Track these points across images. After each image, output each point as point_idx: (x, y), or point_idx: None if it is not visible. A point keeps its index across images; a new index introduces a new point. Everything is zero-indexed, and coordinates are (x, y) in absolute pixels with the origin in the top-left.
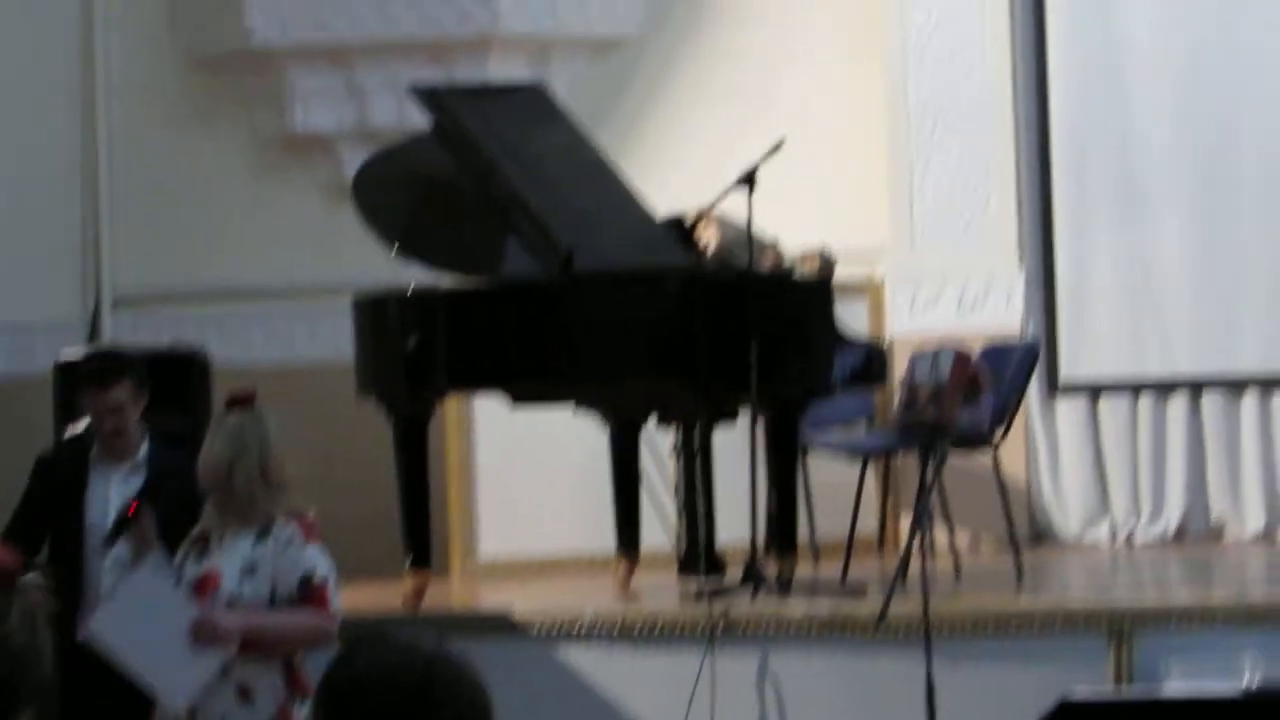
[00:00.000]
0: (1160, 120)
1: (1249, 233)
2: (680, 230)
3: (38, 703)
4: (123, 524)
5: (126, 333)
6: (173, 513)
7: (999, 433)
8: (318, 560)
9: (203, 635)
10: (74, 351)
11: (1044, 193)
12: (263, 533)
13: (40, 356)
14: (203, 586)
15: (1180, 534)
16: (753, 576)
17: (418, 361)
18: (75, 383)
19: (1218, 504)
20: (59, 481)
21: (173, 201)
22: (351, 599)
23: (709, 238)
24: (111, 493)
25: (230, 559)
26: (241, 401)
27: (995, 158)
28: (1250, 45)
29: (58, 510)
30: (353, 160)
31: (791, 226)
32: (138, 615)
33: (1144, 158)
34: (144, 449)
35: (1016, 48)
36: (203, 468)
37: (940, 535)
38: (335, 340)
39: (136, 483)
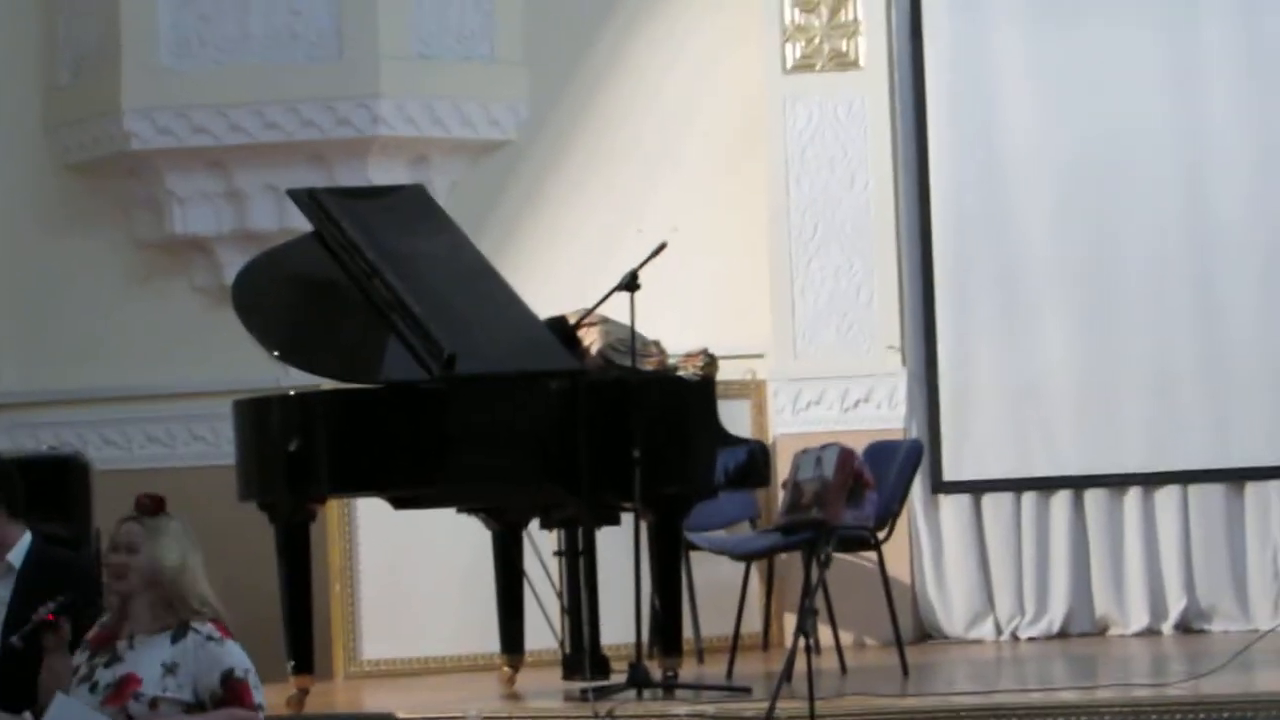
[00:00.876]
0: (1043, 223)
1: (1131, 333)
2: (562, 332)
3: None
4: (38, 629)
5: (3, 437)
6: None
7: (883, 532)
8: (237, 656)
9: None
10: None
11: (926, 294)
12: (180, 632)
13: None
14: (122, 690)
15: (1064, 631)
16: (637, 677)
17: (299, 464)
18: None
19: (1101, 601)
20: None
21: (50, 304)
22: None
23: (591, 339)
24: None
25: (147, 660)
26: (157, 504)
27: (878, 259)
28: (1130, 153)
29: None
30: (232, 263)
31: (674, 328)
32: None
33: (1027, 260)
34: (20, 550)
35: (899, 152)
36: (150, 569)
37: (825, 634)
38: (215, 442)
39: (7, 586)
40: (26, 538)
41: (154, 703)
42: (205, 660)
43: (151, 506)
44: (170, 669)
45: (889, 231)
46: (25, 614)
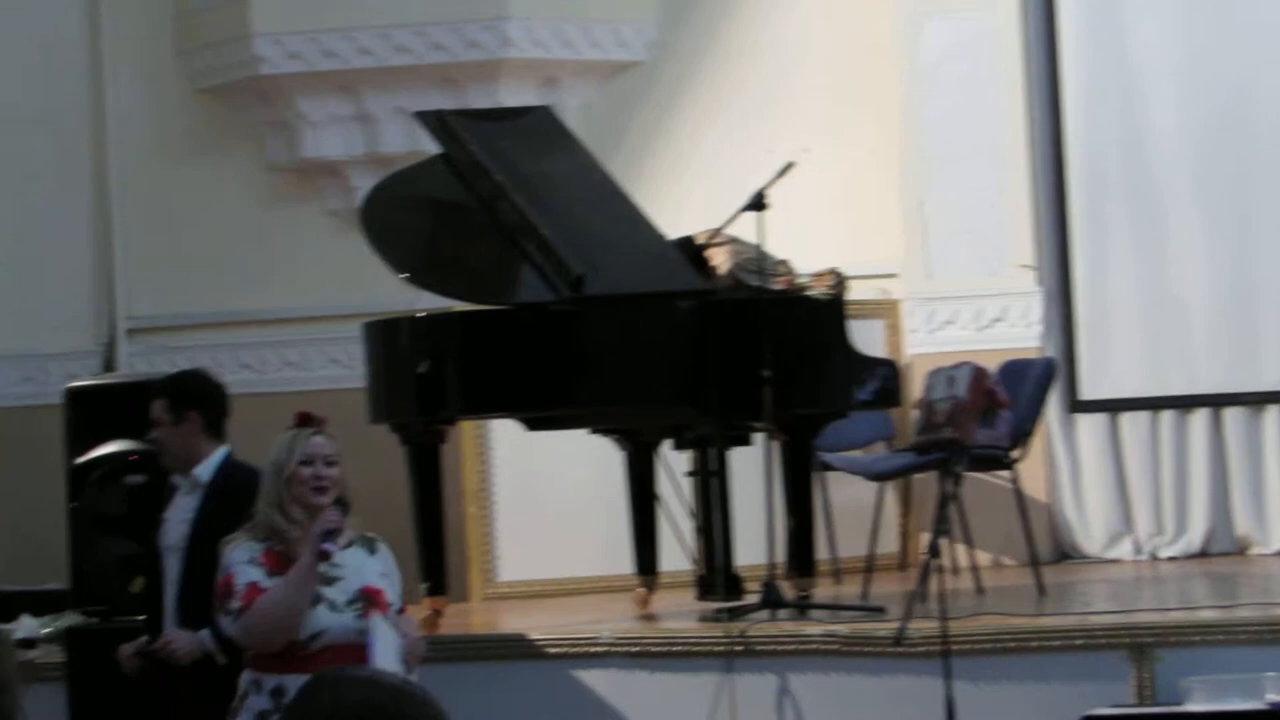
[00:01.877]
0: (1180, 137)
1: (1270, 249)
2: (691, 252)
3: None
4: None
5: (141, 361)
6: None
7: (1018, 451)
8: None
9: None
10: (85, 379)
11: (1060, 211)
12: (365, 543)
13: (55, 385)
14: (375, 602)
15: (1204, 550)
16: (771, 597)
17: (429, 386)
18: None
19: (1241, 519)
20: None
21: (185, 230)
22: None
23: (720, 259)
24: (172, 511)
25: (365, 572)
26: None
27: (1010, 176)
28: (1275, 64)
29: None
30: (363, 186)
31: (805, 248)
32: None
33: (1163, 175)
34: (210, 465)
35: (1030, 65)
36: (342, 481)
37: (962, 554)
38: (349, 365)
39: (195, 499)
40: (218, 454)
41: (399, 610)
42: (395, 567)
43: (319, 421)
44: (388, 577)
45: (1021, 148)
46: (210, 527)
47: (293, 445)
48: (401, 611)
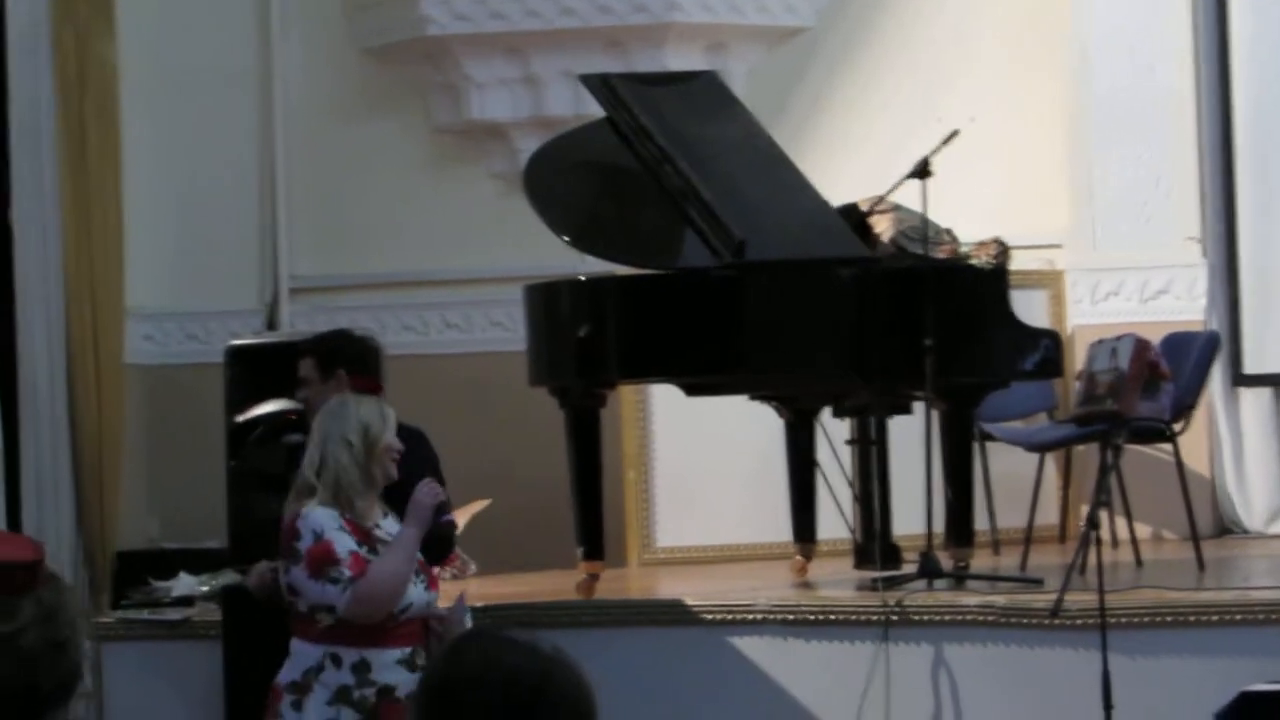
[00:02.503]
0: None
1: None
2: (854, 219)
3: (67, 699)
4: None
5: (304, 321)
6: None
7: (1180, 424)
8: None
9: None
10: (247, 338)
11: (1227, 183)
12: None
13: (217, 343)
14: (429, 575)
15: None
16: (928, 567)
17: (590, 349)
18: None
19: None
20: None
21: (349, 190)
22: (525, 589)
23: (883, 227)
24: None
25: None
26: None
27: (1177, 148)
28: None
29: None
30: (528, 149)
31: (969, 218)
32: None
33: None
34: None
35: (1200, 39)
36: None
37: (1121, 527)
38: (512, 328)
39: None
40: None
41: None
42: None
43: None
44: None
45: (1189, 120)
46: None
47: (385, 415)
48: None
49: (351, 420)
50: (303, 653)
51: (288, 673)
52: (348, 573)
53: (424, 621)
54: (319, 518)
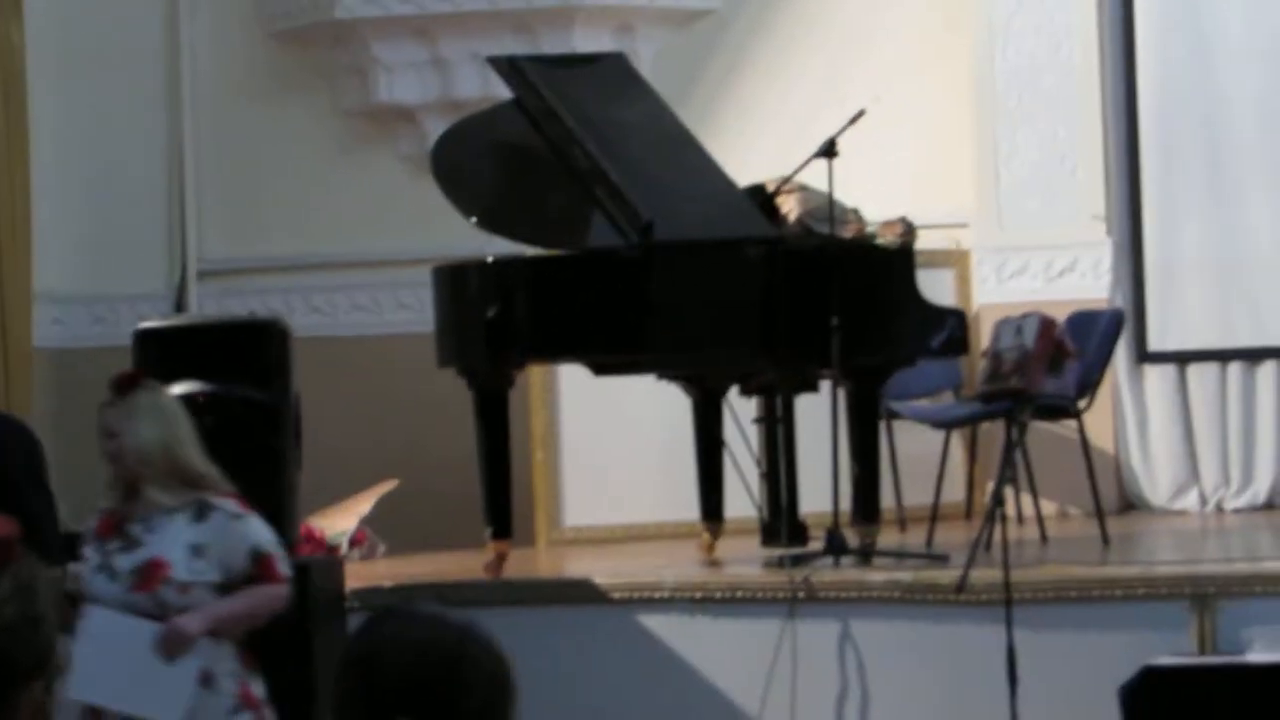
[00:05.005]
0: (1249, 96)
1: None
2: (761, 199)
3: (43, 674)
4: None
5: (212, 304)
6: None
7: (1084, 401)
8: (262, 531)
9: (173, 647)
10: (155, 321)
11: (1131, 163)
12: (201, 511)
13: (125, 327)
14: (151, 576)
15: (1270, 502)
16: (835, 544)
17: (498, 330)
18: None
19: None
20: None
21: (257, 173)
22: (434, 568)
23: (790, 207)
24: None
25: (170, 542)
26: (127, 381)
27: (1082, 128)
28: None
29: None
30: (436, 131)
31: (875, 197)
32: (105, 660)
33: (1232, 131)
34: None
35: (1104, 19)
36: (136, 450)
37: (1027, 504)
38: (420, 310)
39: None
40: None
41: (184, 586)
42: (232, 538)
43: (123, 385)
44: (198, 550)
45: (1094, 100)
46: None
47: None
48: (231, 588)
49: (178, 419)
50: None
51: None
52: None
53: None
54: (260, 527)
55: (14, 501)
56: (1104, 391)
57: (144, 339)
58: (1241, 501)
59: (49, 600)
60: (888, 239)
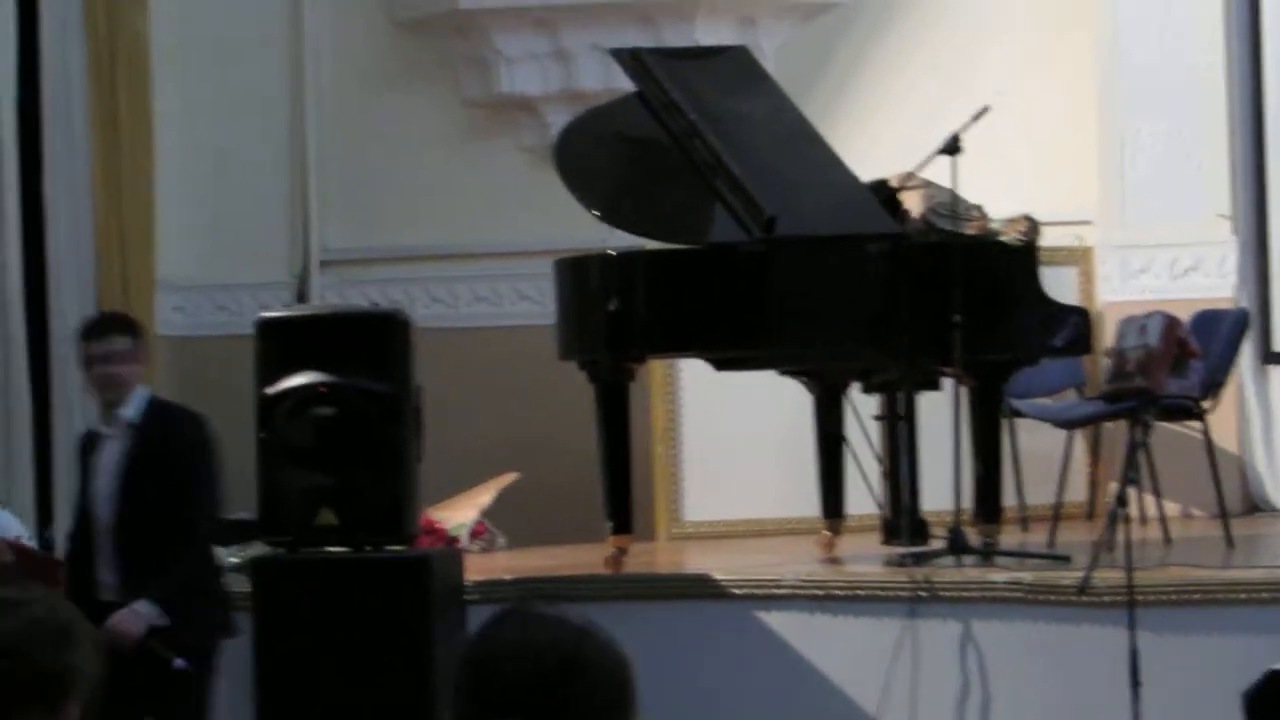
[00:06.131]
0: None
1: None
2: (884, 195)
3: (76, 695)
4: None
5: (333, 293)
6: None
7: (1209, 401)
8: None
9: None
10: (277, 310)
11: (1258, 159)
12: None
13: (248, 316)
14: None
15: None
16: (956, 543)
17: (619, 324)
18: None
19: None
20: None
21: (379, 163)
22: (553, 562)
23: (913, 203)
24: (104, 456)
25: None
26: None
27: (1208, 126)
28: None
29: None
30: (558, 123)
31: (998, 194)
32: None
33: None
34: (135, 410)
35: (1230, 13)
36: None
37: (1150, 505)
38: (541, 301)
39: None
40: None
41: None
42: None
43: None
44: None
45: (1220, 98)
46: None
47: None
48: None
49: None
50: None
51: None
52: None
53: None
54: None
55: (187, 492)
56: (1228, 392)
57: (265, 328)
58: None
59: (86, 632)
60: (1011, 236)
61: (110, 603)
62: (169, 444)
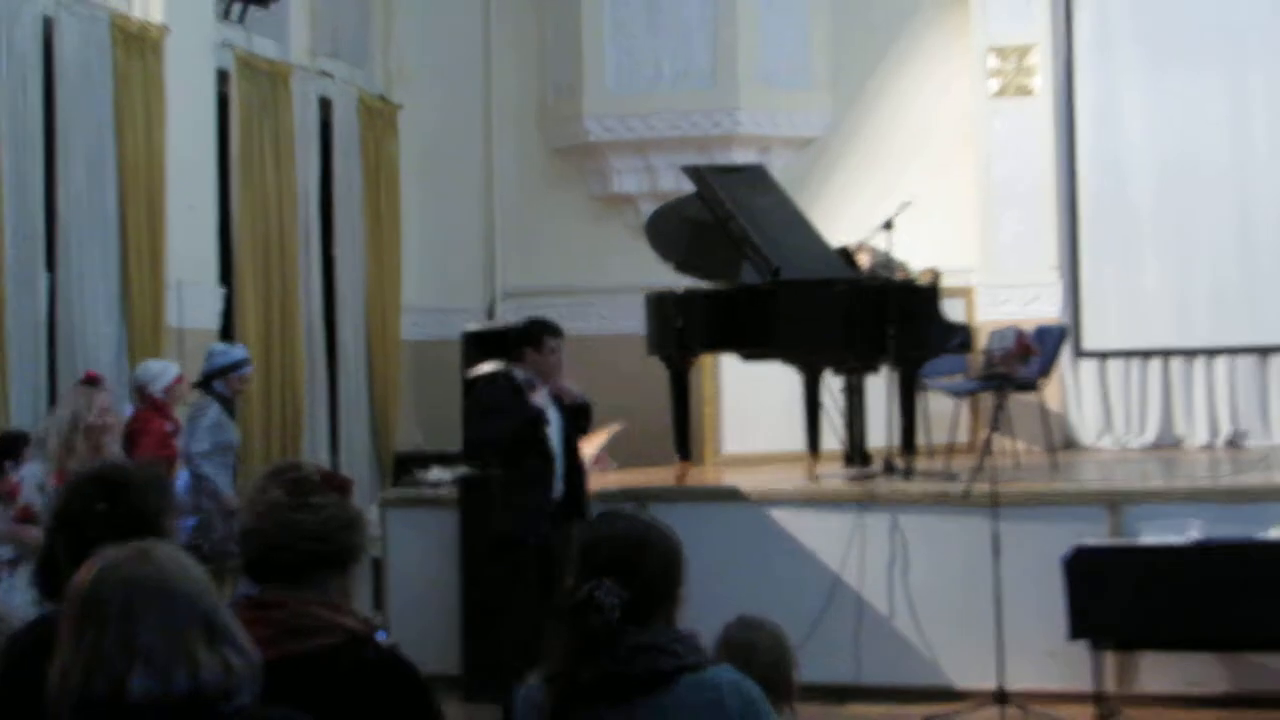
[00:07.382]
0: (1148, 195)
1: (1204, 262)
2: (846, 256)
3: (350, 562)
4: None
5: (511, 314)
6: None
7: (1043, 380)
8: None
9: None
10: (474, 325)
11: (1073, 235)
12: None
13: (454, 329)
14: None
15: (1156, 444)
16: (889, 467)
17: (682, 334)
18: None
19: (1180, 424)
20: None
21: (540, 235)
22: (643, 478)
23: (864, 260)
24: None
25: None
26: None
27: (1044, 213)
28: (1198, 155)
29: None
30: (648, 210)
31: (916, 255)
32: None
33: (1136, 219)
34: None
35: (1059, 148)
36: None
37: (1007, 443)
38: (636, 320)
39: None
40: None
41: None
42: None
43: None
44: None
45: (1050, 198)
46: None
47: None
48: None
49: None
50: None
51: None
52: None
53: None
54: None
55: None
56: (1055, 375)
57: (468, 338)
58: (1139, 443)
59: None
60: (924, 280)
61: None
62: None
